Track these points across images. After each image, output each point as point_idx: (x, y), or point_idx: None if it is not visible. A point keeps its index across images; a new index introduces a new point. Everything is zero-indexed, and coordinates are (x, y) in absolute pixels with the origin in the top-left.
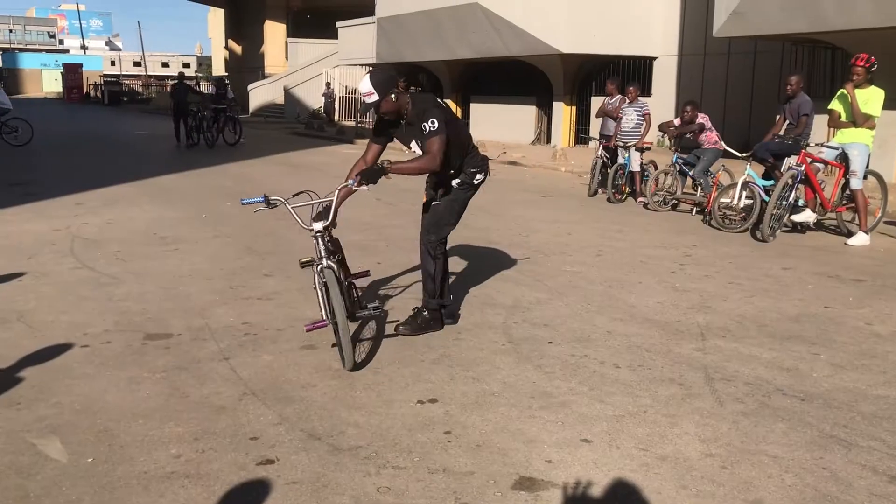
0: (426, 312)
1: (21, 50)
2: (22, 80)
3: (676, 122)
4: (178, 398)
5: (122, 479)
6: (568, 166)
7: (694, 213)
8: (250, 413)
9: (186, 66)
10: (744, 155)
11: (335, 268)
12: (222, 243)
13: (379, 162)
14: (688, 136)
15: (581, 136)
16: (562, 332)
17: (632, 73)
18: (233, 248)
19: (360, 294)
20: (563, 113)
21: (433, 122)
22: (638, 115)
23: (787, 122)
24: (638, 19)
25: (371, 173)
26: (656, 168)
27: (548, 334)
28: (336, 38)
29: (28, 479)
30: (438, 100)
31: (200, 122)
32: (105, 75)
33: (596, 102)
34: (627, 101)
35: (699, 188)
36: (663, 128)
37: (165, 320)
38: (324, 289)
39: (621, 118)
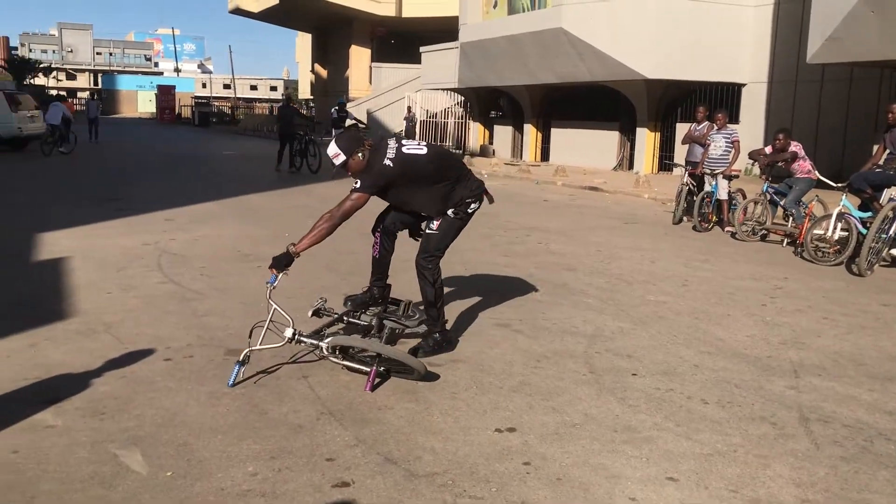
0: (437, 335)
1: (119, 72)
2: (119, 100)
3: (767, 150)
4: (256, 415)
5: (200, 495)
6: (651, 193)
7: (785, 244)
8: (327, 433)
9: (273, 89)
10: (839, 185)
11: (334, 340)
12: (303, 262)
13: (286, 249)
14: (779, 164)
15: (665, 162)
16: (646, 363)
17: (719, 100)
18: (314, 266)
19: (403, 308)
20: (646, 139)
21: (357, 182)
22: (727, 142)
23: (888, 151)
24: (726, 45)
25: (279, 262)
26: (745, 197)
27: (631, 366)
28: (419, 62)
29: (110, 489)
30: (391, 152)
31: (306, 146)
32: (196, 97)
33: (681, 129)
34: (716, 127)
35: (790, 219)
36: (754, 156)
37: (246, 336)
38: (342, 360)
39: (709, 145)
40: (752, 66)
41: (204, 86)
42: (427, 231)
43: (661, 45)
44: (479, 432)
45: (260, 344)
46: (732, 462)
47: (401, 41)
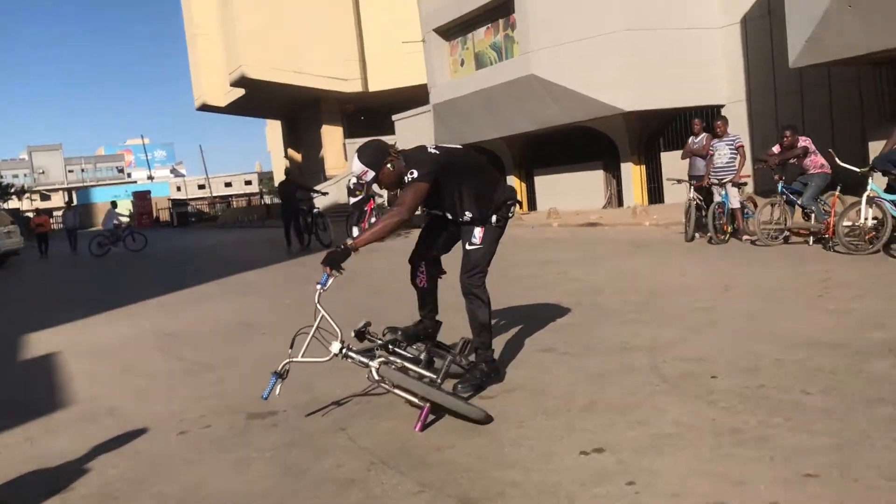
0: (483, 365)
1: (93, 186)
2: (95, 212)
3: (776, 149)
4: (293, 476)
5: None
6: (651, 220)
7: (811, 243)
8: (385, 483)
9: (248, 183)
10: (863, 170)
11: (385, 360)
12: (325, 304)
13: (343, 243)
14: (791, 161)
15: (671, 181)
16: (722, 364)
17: None
18: (333, 307)
19: (462, 345)
20: (632, 173)
21: (412, 174)
22: (731, 150)
23: None
24: (699, 69)
25: (333, 259)
26: (756, 205)
27: (707, 369)
28: (393, 131)
29: None
30: (431, 147)
31: (314, 220)
32: (172, 199)
33: (665, 158)
34: (717, 137)
35: (811, 217)
36: (763, 158)
37: (267, 398)
38: (392, 386)
39: (712, 155)
40: (728, 86)
41: (178, 189)
42: (469, 247)
43: (634, 78)
44: (562, 457)
45: (302, 356)
46: (871, 449)
47: (371, 114)
